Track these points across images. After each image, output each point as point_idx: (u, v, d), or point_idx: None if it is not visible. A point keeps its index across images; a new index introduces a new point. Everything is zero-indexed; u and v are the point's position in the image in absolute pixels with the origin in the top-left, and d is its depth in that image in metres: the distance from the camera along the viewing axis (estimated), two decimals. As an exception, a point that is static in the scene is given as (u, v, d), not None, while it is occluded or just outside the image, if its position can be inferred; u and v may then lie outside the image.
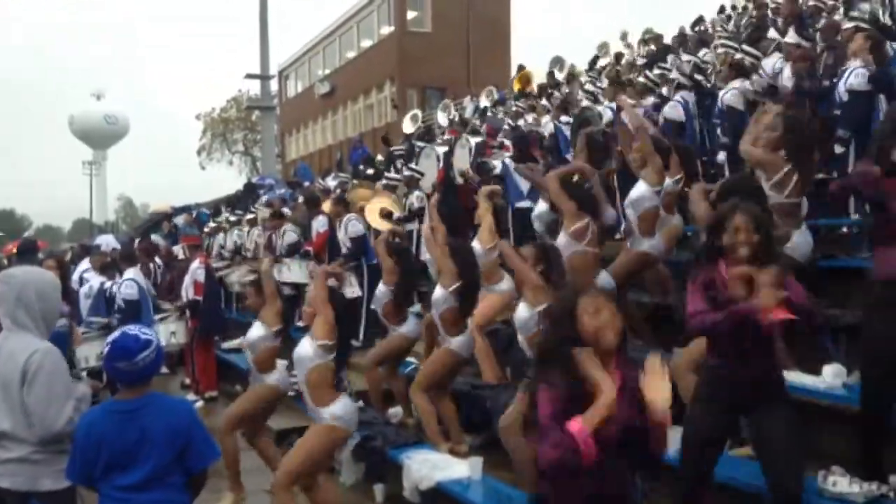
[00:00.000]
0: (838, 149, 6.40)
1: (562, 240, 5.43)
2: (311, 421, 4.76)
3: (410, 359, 6.90)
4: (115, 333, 3.02)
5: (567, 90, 13.00)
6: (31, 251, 9.79)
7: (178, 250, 11.39)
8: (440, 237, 6.21)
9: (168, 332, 8.85)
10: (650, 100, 9.21)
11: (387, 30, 30.77)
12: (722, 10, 14.89)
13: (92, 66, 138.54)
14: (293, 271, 9.18)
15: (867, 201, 4.63)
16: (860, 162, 4.84)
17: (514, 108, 14.23)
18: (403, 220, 7.69)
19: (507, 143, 10.65)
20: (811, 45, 8.19)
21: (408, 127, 17.05)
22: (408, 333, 6.37)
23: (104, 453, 2.89)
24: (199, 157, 49.88)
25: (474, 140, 11.16)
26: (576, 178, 6.18)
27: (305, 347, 4.55)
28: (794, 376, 4.30)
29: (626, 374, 2.72)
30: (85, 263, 10.37)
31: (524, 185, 8.22)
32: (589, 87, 11.87)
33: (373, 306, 6.86)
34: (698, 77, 8.90)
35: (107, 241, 14.25)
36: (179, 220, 17.23)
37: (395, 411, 6.42)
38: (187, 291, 9.01)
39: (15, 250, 12.89)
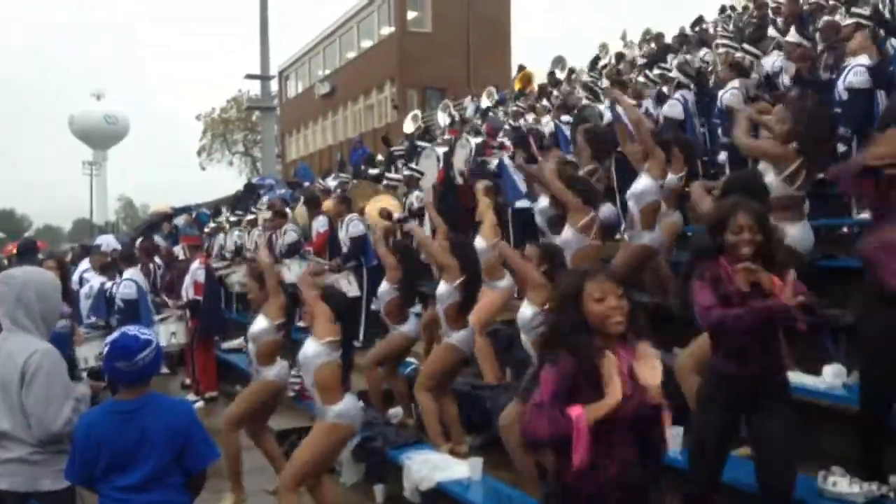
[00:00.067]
0: (841, 147, 6.39)
1: (568, 234, 5.42)
2: (312, 421, 4.76)
3: (410, 359, 6.91)
4: (115, 333, 3.02)
5: (567, 88, 13.01)
6: (31, 251, 9.79)
7: (179, 251, 11.40)
8: (440, 234, 6.21)
9: (168, 332, 8.87)
10: (649, 100, 9.23)
11: (387, 30, 30.78)
12: (723, 10, 14.90)
13: (92, 66, 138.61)
14: (293, 271, 9.18)
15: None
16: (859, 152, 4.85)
17: (513, 108, 14.25)
18: (403, 221, 7.69)
19: (508, 143, 10.65)
20: (811, 45, 8.19)
21: (408, 127, 17.06)
22: (408, 333, 6.38)
23: (104, 454, 2.88)
24: (199, 157, 49.97)
25: (474, 140, 11.16)
26: (582, 171, 6.15)
27: (311, 347, 4.54)
28: (794, 376, 4.28)
29: (630, 361, 2.72)
30: (85, 264, 10.39)
31: (522, 185, 8.20)
32: (587, 79, 11.86)
33: (373, 307, 6.86)
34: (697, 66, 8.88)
35: (107, 242, 14.23)
36: (179, 220, 17.22)
37: (396, 412, 6.42)
38: (187, 292, 9.02)
39: (15, 251, 12.90)
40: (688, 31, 13.78)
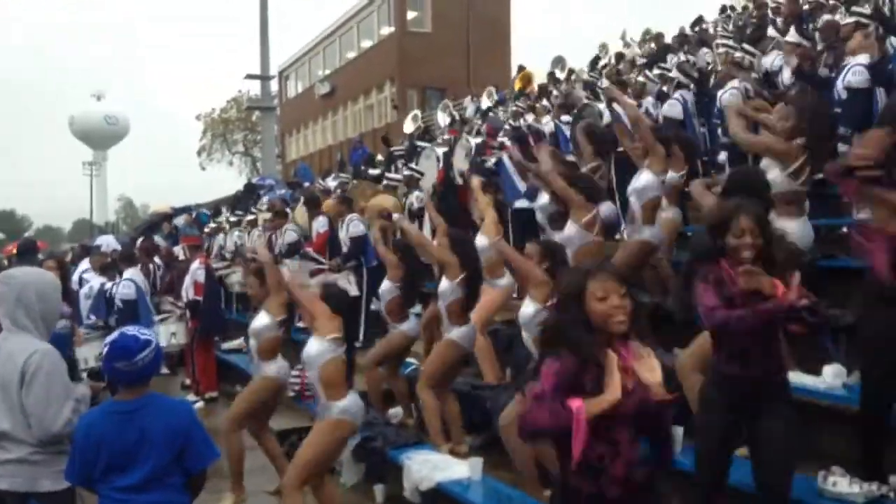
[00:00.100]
0: (841, 147, 6.39)
1: (571, 231, 5.41)
2: (312, 421, 4.76)
3: (410, 359, 6.91)
4: (114, 334, 3.01)
5: (567, 88, 13.00)
6: (31, 252, 9.79)
7: (179, 251, 11.40)
8: (440, 232, 6.21)
9: (168, 332, 8.88)
10: (649, 99, 9.23)
11: (387, 30, 30.78)
12: (723, 9, 14.91)
13: (92, 66, 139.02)
14: (293, 271, 9.18)
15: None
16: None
17: (513, 108, 14.24)
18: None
19: (508, 143, 10.64)
20: (811, 45, 8.19)
21: (408, 127, 17.06)
22: (408, 332, 6.39)
23: (103, 454, 2.88)
24: (199, 157, 49.95)
25: (474, 140, 11.15)
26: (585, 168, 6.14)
27: (314, 346, 4.55)
28: (794, 376, 4.27)
29: (631, 360, 2.72)
30: (85, 264, 10.40)
31: (521, 184, 8.19)
32: (587, 78, 11.85)
33: (373, 307, 6.87)
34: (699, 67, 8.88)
35: (107, 242, 14.23)
36: (179, 220, 17.22)
37: (396, 412, 6.43)
38: (187, 292, 9.02)
39: (15, 251, 12.90)
40: (688, 31, 13.77)
